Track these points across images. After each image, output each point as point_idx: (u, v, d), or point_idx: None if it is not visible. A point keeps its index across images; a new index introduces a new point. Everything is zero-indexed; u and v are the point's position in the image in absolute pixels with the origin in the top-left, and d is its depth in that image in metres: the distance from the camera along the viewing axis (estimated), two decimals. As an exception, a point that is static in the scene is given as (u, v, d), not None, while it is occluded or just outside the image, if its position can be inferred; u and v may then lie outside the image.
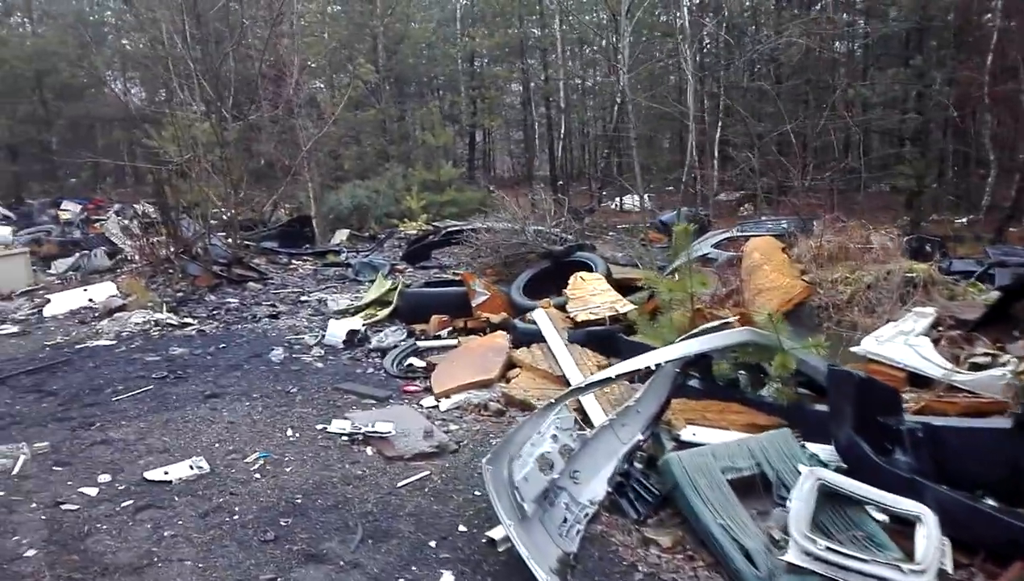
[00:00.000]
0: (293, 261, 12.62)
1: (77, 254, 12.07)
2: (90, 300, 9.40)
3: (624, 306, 6.61)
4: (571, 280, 6.96)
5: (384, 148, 22.72)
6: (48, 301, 9.41)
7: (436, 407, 5.60)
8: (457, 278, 8.58)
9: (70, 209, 22.08)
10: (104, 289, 9.70)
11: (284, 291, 10.05)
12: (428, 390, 5.94)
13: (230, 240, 10.84)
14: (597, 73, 26.70)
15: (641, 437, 4.01)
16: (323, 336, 7.53)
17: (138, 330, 8.11)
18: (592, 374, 5.51)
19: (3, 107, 25.36)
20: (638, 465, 4.04)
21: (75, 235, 16.83)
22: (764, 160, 14.60)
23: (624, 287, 7.32)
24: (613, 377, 4.03)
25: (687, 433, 4.13)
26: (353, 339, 7.38)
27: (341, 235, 16.33)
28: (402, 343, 7.23)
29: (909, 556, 3.17)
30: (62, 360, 7.18)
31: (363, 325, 7.61)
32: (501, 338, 6.43)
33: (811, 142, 14.74)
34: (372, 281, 10.66)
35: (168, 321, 8.24)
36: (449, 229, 12.28)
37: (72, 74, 25.63)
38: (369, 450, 4.87)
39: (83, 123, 29.16)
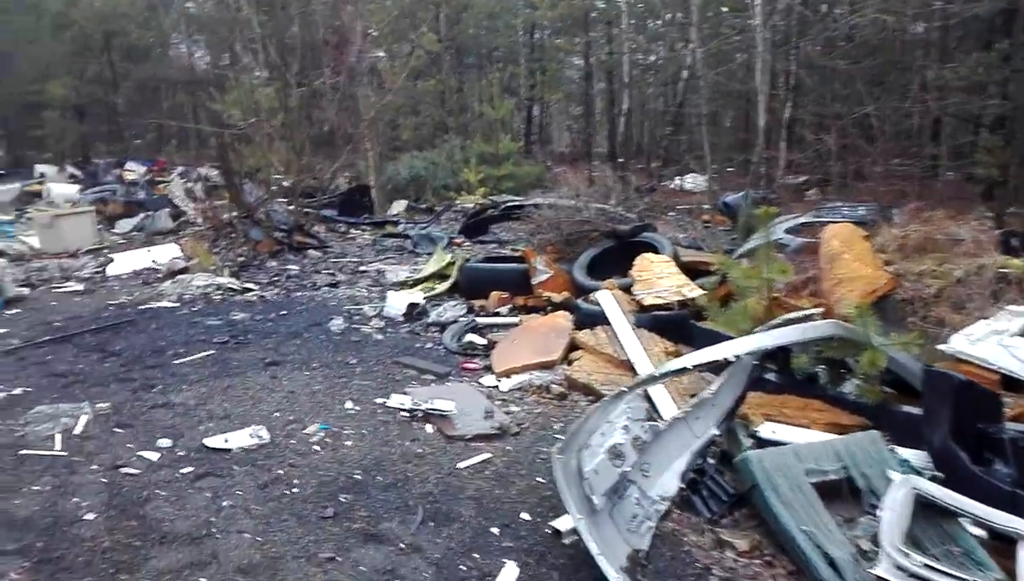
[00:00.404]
0: (352, 230, 12.60)
1: (141, 215, 12.25)
2: (153, 261, 9.50)
3: (692, 290, 6.36)
4: (637, 261, 6.74)
5: (443, 119, 22.57)
6: (112, 260, 9.55)
7: (496, 387, 5.47)
8: (517, 254, 8.41)
9: (134, 170, 22.50)
10: (167, 250, 9.80)
11: (343, 260, 10.03)
12: (488, 368, 5.82)
13: (291, 207, 10.84)
14: (660, 48, 26.02)
15: (716, 431, 3.80)
16: (382, 307, 7.45)
17: (200, 293, 8.15)
18: (660, 361, 5.31)
19: (72, 67, 25.87)
20: (712, 461, 3.85)
21: (139, 196, 17.11)
22: (840, 142, 14.04)
23: (691, 270, 7.06)
24: (690, 367, 3.82)
25: (766, 430, 3.91)
26: (412, 312, 7.29)
27: (399, 206, 16.29)
28: (461, 319, 7.11)
29: (1010, 576, 2.93)
30: (125, 320, 7.26)
31: (423, 298, 7.50)
32: (563, 318, 6.25)
33: (890, 126, 14.09)
34: (430, 254, 10.56)
35: (230, 286, 8.27)
36: (508, 204, 12.10)
37: (139, 36, 26.01)
38: (429, 428, 4.76)
39: (148, 85, 29.62)
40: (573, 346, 5.89)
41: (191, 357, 6.19)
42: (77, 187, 17.36)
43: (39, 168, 22.43)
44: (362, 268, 9.52)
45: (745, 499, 3.60)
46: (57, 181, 19.64)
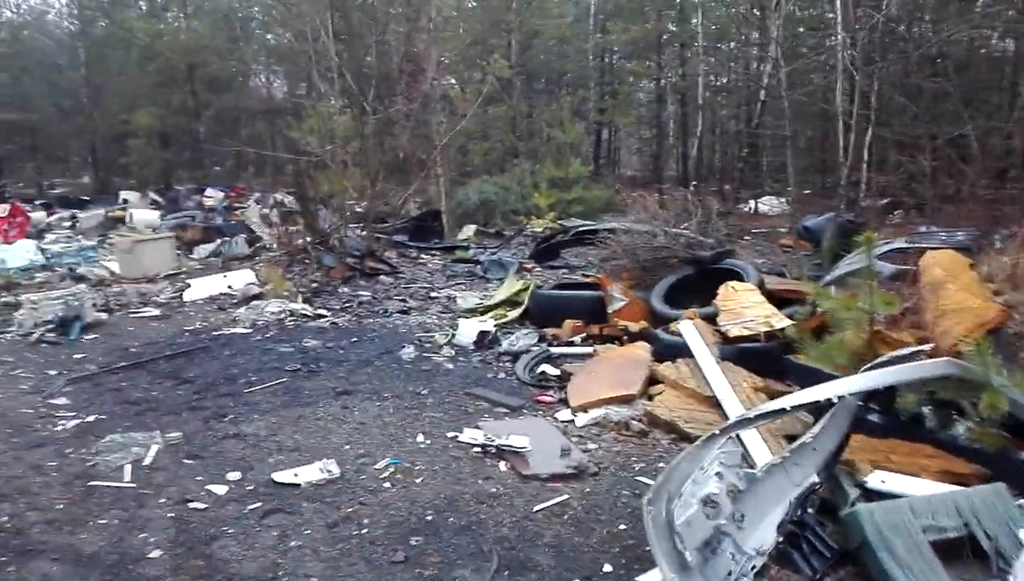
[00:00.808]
0: (422, 255, 12.57)
1: (219, 240, 12.47)
2: (229, 286, 9.60)
3: (781, 321, 6.00)
4: (721, 290, 6.41)
5: (513, 144, 22.56)
6: (189, 286, 9.68)
7: (572, 421, 5.22)
8: (591, 281, 8.18)
9: (213, 196, 23.14)
10: (242, 276, 9.89)
11: (414, 286, 9.95)
12: (563, 402, 5.58)
13: (364, 233, 10.85)
14: (732, 70, 25.54)
15: (817, 479, 3.47)
16: (453, 335, 7.29)
17: (273, 319, 8.15)
18: (747, 397, 4.99)
19: (158, 97, 26.90)
20: (812, 512, 3.51)
21: (217, 221, 17.52)
22: (930, 164, 13.37)
23: (777, 299, 6.69)
24: (788, 409, 3.51)
25: (874, 479, 3.56)
26: (483, 340, 7.12)
27: (468, 231, 16.23)
28: (533, 348, 6.90)
29: None
30: (199, 347, 7.28)
31: (494, 326, 7.32)
32: (642, 349, 5.97)
33: (987, 146, 13.35)
34: (500, 279, 10.42)
35: (303, 312, 8.26)
36: (580, 229, 11.88)
37: (221, 67, 26.91)
38: (503, 465, 4.55)
39: (228, 114, 30.58)
40: (653, 379, 5.60)
41: (263, 385, 6.13)
42: (158, 213, 17.88)
43: (123, 194, 23.27)
44: (433, 294, 9.42)
45: (852, 556, 3.26)
46: (140, 207, 20.30)
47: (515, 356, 6.72)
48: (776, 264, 10.83)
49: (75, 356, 7.23)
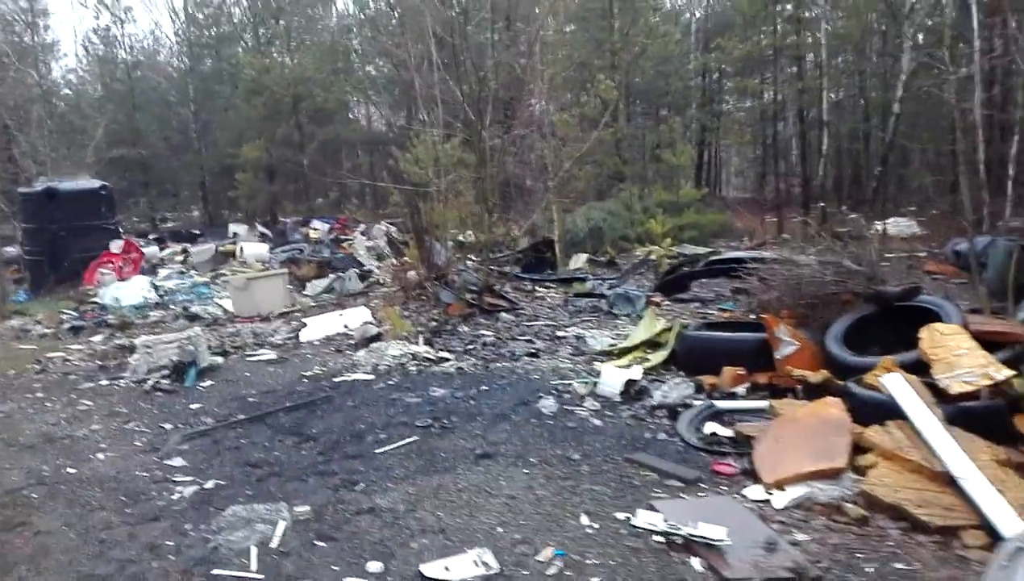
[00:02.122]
0: (537, 288, 11.85)
1: (332, 276, 12.09)
2: (345, 326, 9.11)
3: (1000, 371, 4.95)
4: (925, 334, 5.38)
5: (619, 168, 21.74)
6: (304, 325, 9.24)
7: (767, 502, 4.32)
8: (749, 321, 7.25)
9: (319, 228, 23.19)
10: (358, 314, 9.40)
11: (537, 323, 9.22)
12: (748, 473, 4.68)
13: (480, 266, 10.22)
14: (855, 84, 23.98)
15: None
16: (595, 384, 6.49)
17: (395, 363, 7.55)
18: (997, 475, 3.99)
19: (264, 131, 27.40)
20: None
21: (324, 254, 17.34)
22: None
23: (982, 343, 5.61)
24: None
25: None
26: (631, 391, 6.28)
27: (579, 259, 15.48)
28: (691, 400, 6.02)
29: None
30: (321, 397, 6.72)
31: (641, 374, 6.48)
32: (835, 408, 5.01)
33: None
34: (628, 315, 9.60)
35: (425, 355, 7.63)
36: (714, 257, 10.92)
37: (324, 99, 27.21)
38: (696, 562, 3.70)
39: (330, 146, 30.93)
40: (857, 446, 4.64)
41: (393, 445, 5.48)
42: (267, 246, 17.85)
43: (232, 228, 23.62)
44: (560, 333, 8.66)
45: None
46: (248, 240, 20.45)
47: (671, 411, 5.86)
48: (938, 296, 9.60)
49: (191, 406, 6.79)
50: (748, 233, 21.41)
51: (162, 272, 15.84)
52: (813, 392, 5.68)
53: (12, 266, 15.76)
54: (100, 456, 5.71)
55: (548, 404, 6.16)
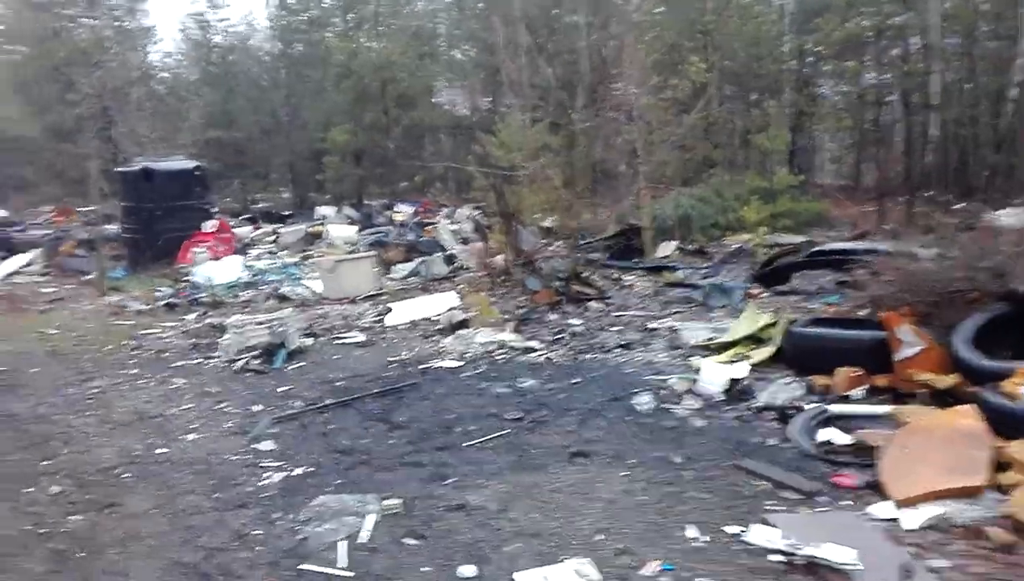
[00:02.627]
0: (624, 276, 11.46)
1: (418, 260, 12.00)
2: (432, 311, 8.96)
3: None
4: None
5: (710, 153, 20.99)
6: (390, 310, 9.14)
7: (896, 520, 3.90)
8: (864, 317, 6.74)
9: (403, 211, 23.30)
10: (445, 299, 9.26)
11: (627, 314, 8.86)
12: (871, 486, 4.26)
13: (567, 253, 9.91)
14: (964, 66, 22.46)
15: None
16: (694, 381, 6.13)
17: (482, 351, 7.35)
18: None
19: (352, 115, 27.61)
20: None
21: (409, 237, 17.34)
22: None
23: None
24: None
25: None
26: (734, 389, 5.89)
27: (668, 247, 14.94)
28: (801, 402, 5.59)
29: None
30: (409, 383, 6.57)
31: (746, 372, 6.08)
32: (970, 417, 4.53)
33: None
34: (723, 306, 9.14)
35: (513, 343, 7.40)
36: (820, 248, 10.29)
37: (410, 84, 27.22)
38: (821, 588, 3.35)
39: (415, 131, 31.02)
40: (998, 461, 4.17)
41: (484, 438, 5.27)
42: (355, 229, 17.96)
43: (319, 210, 23.94)
44: (652, 325, 8.28)
45: None
46: (335, 222, 20.65)
47: (780, 413, 5.45)
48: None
49: (280, 389, 6.75)
50: (847, 222, 20.42)
51: (253, 252, 16.10)
52: (940, 399, 5.19)
53: (111, 243, 16.28)
54: (191, 437, 5.70)
55: (644, 401, 5.83)
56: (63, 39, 23.54)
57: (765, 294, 9.86)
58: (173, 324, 9.76)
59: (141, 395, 6.83)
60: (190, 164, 16.45)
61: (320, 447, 5.32)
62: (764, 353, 6.74)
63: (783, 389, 5.80)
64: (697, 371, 6.29)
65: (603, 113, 15.19)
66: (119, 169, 16.33)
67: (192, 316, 10.22)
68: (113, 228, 16.81)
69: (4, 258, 16.91)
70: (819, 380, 5.93)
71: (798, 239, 17.37)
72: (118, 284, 12.97)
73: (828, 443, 4.86)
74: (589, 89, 16.14)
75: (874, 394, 5.69)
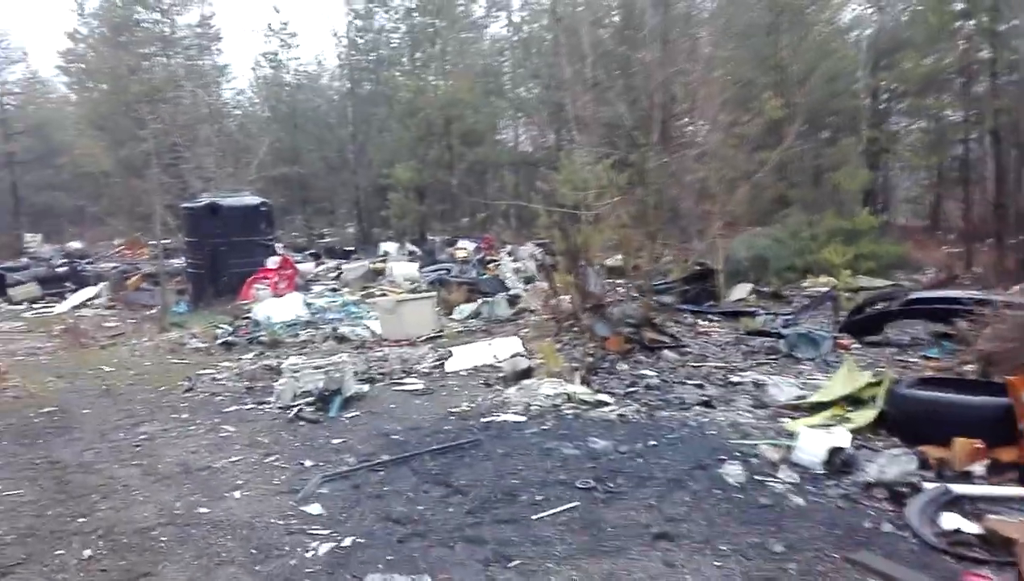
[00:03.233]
0: (698, 322, 10.81)
1: (480, 300, 11.56)
2: (494, 356, 8.49)
3: None
4: None
5: (784, 192, 20.18)
6: (451, 354, 8.69)
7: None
8: (984, 380, 5.99)
9: (465, 248, 23.04)
10: (508, 345, 8.77)
11: (706, 365, 8.21)
12: (1019, 593, 3.56)
13: (639, 296, 9.32)
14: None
15: None
16: (789, 449, 5.46)
17: (548, 404, 6.80)
18: None
19: (417, 151, 27.70)
20: None
21: (471, 274, 17.00)
22: None
23: None
24: None
25: None
26: (835, 460, 5.21)
27: (742, 290, 14.23)
28: (914, 477, 4.87)
29: None
30: (469, 441, 6.05)
31: (849, 441, 5.39)
32: None
33: None
34: (811, 359, 8.42)
35: (582, 396, 6.83)
36: (919, 295, 9.49)
37: (475, 121, 27.19)
38: None
39: (478, 167, 30.95)
40: None
41: (552, 510, 4.70)
42: (416, 265, 17.72)
43: (383, 246, 23.88)
44: (734, 378, 7.61)
45: None
46: (397, 258, 20.50)
47: (891, 491, 4.75)
48: None
49: (333, 441, 6.32)
50: (929, 266, 19.30)
51: (315, 288, 15.96)
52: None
53: (176, 278, 16.36)
54: (236, 495, 5.28)
55: (733, 471, 5.19)
56: (139, 76, 24.20)
57: (855, 345, 9.10)
58: (229, 364, 9.51)
59: (189, 444, 6.48)
60: (255, 200, 16.48)
61: (372, 513, 4.84)
62: (866, 417, 6.02)
63: (893, 462, 5.09)
64: (791, 436, 5.63)
65: (674, 151, 14.63)
66: (185, 205, 16.46)
67: (249, 356, 9.97)
68: (179, 263, 16.92)
69: (74, 290, 17.16)
70: (931, 451, 5.20)
71: (881, 283, 16.46)
72: (179, 320, 12.89)
73: (956, 532, 4.16)
74: (659, 125, 15.59)
75: (998, 470, 4.94)
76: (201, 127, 23.57)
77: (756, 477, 5.15)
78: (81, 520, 4.96)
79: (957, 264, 18.73)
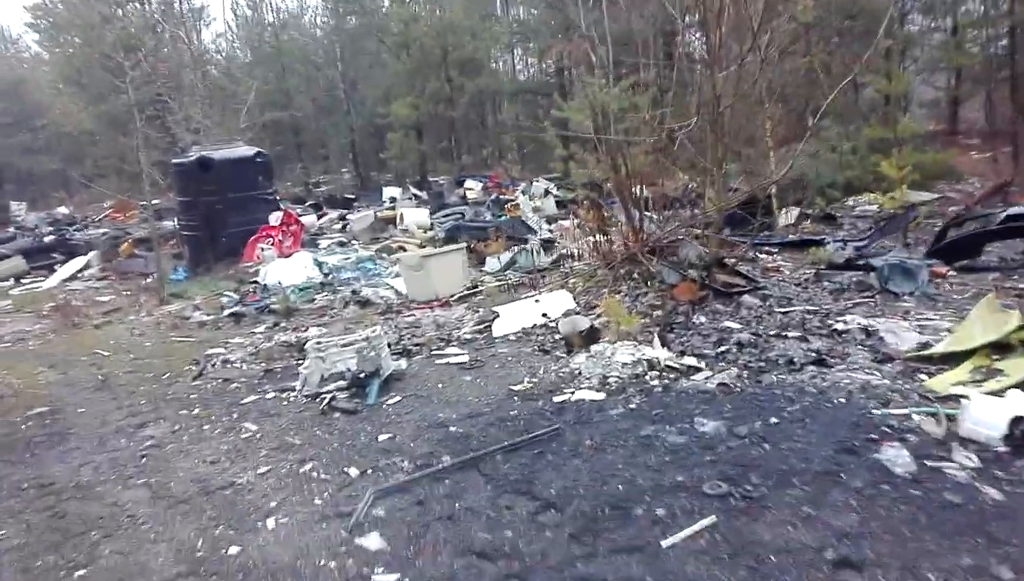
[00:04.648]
0: (759, 254, 9.65)
1: (514, 248, 10.36)
2: (545, 315, 7.36)
3: None
4: None
5: (818, 103, 18.72)
6: (497, 315, 7.55)
7: None
8: None
9: (474, 187, 21.72)
10: (558, 300, 7.64)
11: (795, 309, 7.05)
12: None
13: (704, 235, 8.10)
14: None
15: None
16: (955, 418, 4.37)
17: (629, 375, 5.69)
18: None
19: (413, 86, 26.02)
20: None
21: (486, 217, 15.77)
22: None
23: None
24: None
25: None
26: (1016, 433, 4.12)
27: (791, 214, 13.06)
28: None
29: None
30: (546, 429, 4.94)
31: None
32: None
33: None
34: (911, 294, 7.29)
35: (667, 362, 5.72)
36: (1019, 211, 8.29)
37: (474, 48, 25.43)
38: None
39: (478, 99, 29.31)
40: None
41: (683, 532, 3.62)
42: (426, 211, 16.45)
43: (387, 191, 22.53)
44: (835, 325, 6.48)
45: None
46: (403, 204, 19.20)
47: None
48: None
49: (379, 438, 5.23)
50: (970, 175, 18.05)
51: (322, 243, 14.75)
52: None
53: (170, 240, 15.14)
54: (270, 523, 4.22)
55: (896, 456, 4.10)
56: (112, 25, 22.47)
57: (952, 273, 7.95)
58: (240, 341, 8.40)
59: (204, 450, 5.42)
60: (251, 151, 15.11)
61: (448, 544, 3.78)
62: (1021, 368, 4.92)
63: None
64: (945, 401, 4.54)
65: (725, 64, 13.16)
66: (175, 161, 15.10)
67: (261, 329, 8.87)
68: (172, 225, 15.66)
69: (64, 261, 15.98)
70: None
71: (928, 197, 15.25)
72: (179, 289, 11.75)
73: None
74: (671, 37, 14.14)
75: None
76: (184, 74, 21.93)
77: (922, 460, 4.07)
78: (80, 573, 3.93)
79: (1004, 171, 17.48)
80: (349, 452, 5.06)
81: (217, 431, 5.77)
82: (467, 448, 4.87)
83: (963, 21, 24.43)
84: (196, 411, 6.30)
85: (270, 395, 6.42)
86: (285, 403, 6.17)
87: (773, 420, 4.77)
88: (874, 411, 4.73)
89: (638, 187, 8.13)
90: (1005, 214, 8.24)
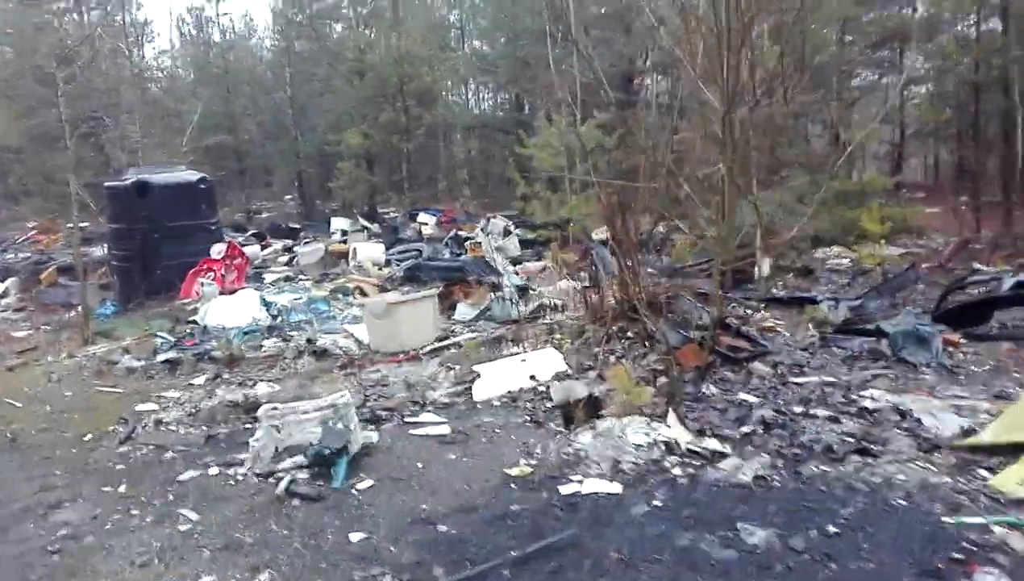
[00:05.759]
0: (751, 313, 9.02)
1: (490, 296, 9.50)
2: (532, 377, 6.53)
3: None
4: None
5: (781, 152, 18.52)
6: (476, 374, 6.68)
7: None
8: None
9: (428, 221, 20.87)
10: (545, 359, 6.82)
11: (808, 379, 6.38)
12: None
13: (709, 291, 7.40)
14: None
15: None
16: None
17: (644, 460, 4.89)
18: None
19: (366, 114, 25.10)
20: None
21: (445, 255, 14.94)
22: None
23: None
24: None
25: None
26: None
27: (764, 266, 12.51)
28: None
29: None
30: (560, 538, 4.08)
31: None
32: None
33: None
34: (928, 364, 6.71)
35: (688, 445, 4.94)
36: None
37: (432, 79, 24.67)
38: None
39: (431, 132, 28.58)
40: None
41: None
42: (381, 246, 15.50)
43: (335, 222, 21.48)
44: (860, 401, 5.81)
45: None
46: (354, 237, 18.20)
47: None
48: None
49: (351, 536, 4.29)
50: (934, 231, 18.00)
51: (267, 277, 13.67)
52: None
53: (98, 270, 13.85)
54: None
55: (996, 586, 3.39)
56: (47, 35, 21.04)
57: (962, 341, 7.42)
58: (176, 395, 7.33)
59: (132, 545, 4.39)
60: (194, 176, 13.98)
61: None
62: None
63: None
64: (1019, 505, 3.87)
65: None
66: (108, 183, 13.83)
67: (201, 379, 7.80)
68: (101, 253, 14.35)
69: (-22, 288, 14.50)
70: None
71: (896, 251, 15.01)
72: (106, 327, 10.55)
73: None
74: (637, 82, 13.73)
75: None
76: (123, 90, 20.58)
77: (1025, 591, 3.36)
78: None
79: (961, 226, 17.51)
80: (314, 557, 4.10)
81: (148, 519, 4.73)
82: (463, 557, 3.98)
83: (907, 77, 24.89)
84: (122, 488, 5.24)
85: (213, 470, 5.39)
86: (232, 483, 5.16)
87: (831, 529, 4.02)
88: (944, 519, 4.03)
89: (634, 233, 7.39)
90: (1015, 281, 7.78)
